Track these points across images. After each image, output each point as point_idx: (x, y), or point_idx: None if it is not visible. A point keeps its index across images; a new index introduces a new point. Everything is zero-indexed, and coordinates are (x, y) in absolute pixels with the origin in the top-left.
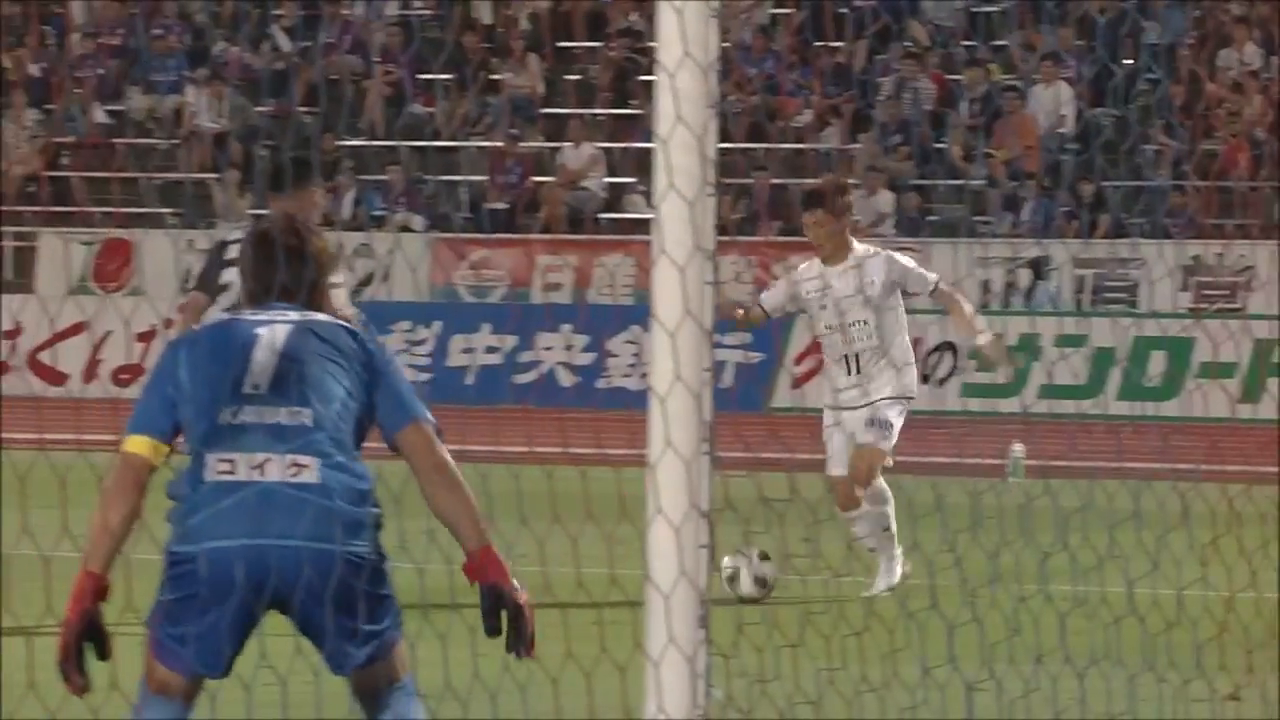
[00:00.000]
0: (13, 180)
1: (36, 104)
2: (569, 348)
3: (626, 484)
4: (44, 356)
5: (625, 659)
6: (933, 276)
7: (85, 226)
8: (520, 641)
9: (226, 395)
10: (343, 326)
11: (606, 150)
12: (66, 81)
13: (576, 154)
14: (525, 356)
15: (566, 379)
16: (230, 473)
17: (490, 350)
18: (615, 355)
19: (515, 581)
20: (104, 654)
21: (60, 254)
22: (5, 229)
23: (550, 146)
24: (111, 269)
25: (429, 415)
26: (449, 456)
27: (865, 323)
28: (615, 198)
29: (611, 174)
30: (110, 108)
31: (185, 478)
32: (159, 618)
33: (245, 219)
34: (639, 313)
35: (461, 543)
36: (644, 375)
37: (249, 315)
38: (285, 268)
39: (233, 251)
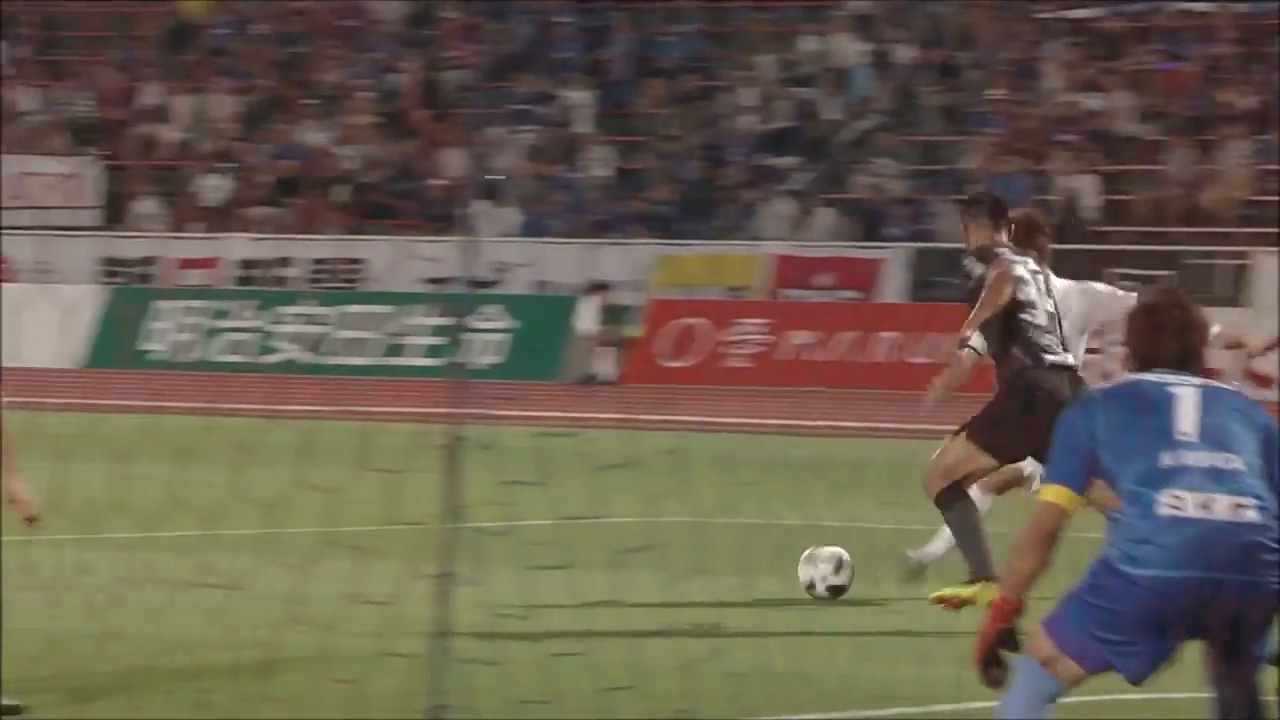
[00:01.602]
0: (1230, 203)
1: (1252, 134)
2: None
3: None
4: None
5: None
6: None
7: None
8: None
9: (1160, 441)
10: (1243, 396)
11: None
12: None
13: None
14: None
15: None
16: (1179, 508)
17: None
18: None
19: None
20: (1004, 659)
21: (1275, 271)
22: (1218, 248)
23: None
24: None
25: None
26: None
27: None
28: None
29: None
30: None
31: (1132, 509)
32: (1082, 618)
33: None
34: None
35: None
36: None
37: (1153, 377)
38: (1177, 338)
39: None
